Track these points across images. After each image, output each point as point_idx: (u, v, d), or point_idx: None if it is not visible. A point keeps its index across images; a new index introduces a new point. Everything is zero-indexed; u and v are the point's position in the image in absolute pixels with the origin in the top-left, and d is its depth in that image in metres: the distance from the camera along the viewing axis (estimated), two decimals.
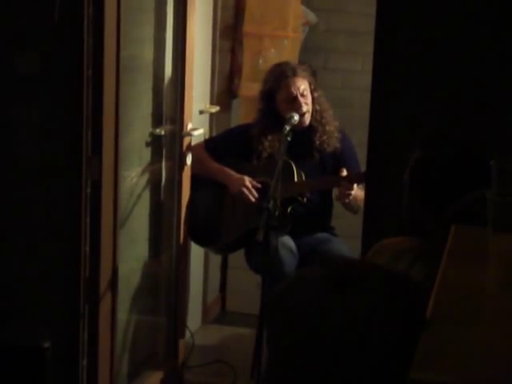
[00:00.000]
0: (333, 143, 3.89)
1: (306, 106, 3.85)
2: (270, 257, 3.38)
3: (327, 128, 3.89)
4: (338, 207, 4.07)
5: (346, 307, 1.18)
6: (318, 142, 3.87)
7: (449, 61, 2.59)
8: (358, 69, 4.86)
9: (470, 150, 2.11)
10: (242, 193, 3.88)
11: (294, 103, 3.83)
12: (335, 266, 1.28)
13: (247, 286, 4.58)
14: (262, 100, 3.94)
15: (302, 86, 3.85)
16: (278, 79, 3.86)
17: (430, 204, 2.05)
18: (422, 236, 2.06)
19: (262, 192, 3.81)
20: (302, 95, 3.84)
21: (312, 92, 3.90)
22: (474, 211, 1.64)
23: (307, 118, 3.86)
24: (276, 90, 3.86)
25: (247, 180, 3.90)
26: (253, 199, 3.86)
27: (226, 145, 4.03)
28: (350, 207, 3.85)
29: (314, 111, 3.90)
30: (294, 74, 3.85)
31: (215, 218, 4.01)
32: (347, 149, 3.94)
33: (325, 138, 3.88)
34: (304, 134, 3.86)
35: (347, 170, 3.79)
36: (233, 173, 3.94)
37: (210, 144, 4.07)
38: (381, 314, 1.19)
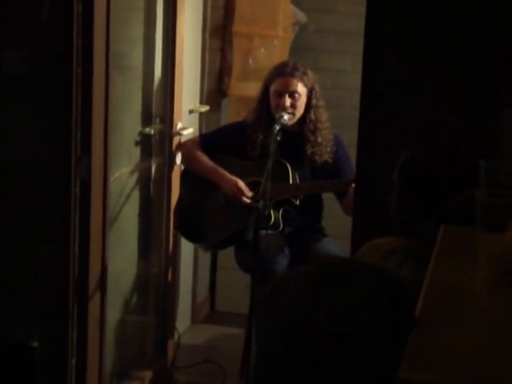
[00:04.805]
0: (324, 156, 3.86)
1: (292, 108, 3.83)
2: (260, 256, 3.38)
3: (319, 140, 3.86)
4: (328, 208, 4.08)
5: (335, 306, 1.18)
6: (309, 152, 3.86)
7: (437, 60, 2.60)
8: (347, 69, 4.87)
9: (459, 149, 2.12)
10: (235, 194, 3.86)
11: (279, 99, 3.83)
12: (324, 264, 1.28)
13: (237, 285, 4.57)
14: (260, 92, 3.94)
15: (296, 88, 3.83)
16: (275, 72, 3.88)
17: (419, 204, 2.05)
18: (411, 236, 2.07)
19: (255, 192, 3.80)
20: (291, 96, 3.83)
21: (310, 99, 3.87)
22: (463, 211, 1.64)
23: (291, 120, 3.84)
24: (270, 82, 3.87)
25: (240, 182, 3.88)
26: (247, 201, 3.84)
27: (222, 141, 4.01)
28: None
29: (308, 120, 3.88)
30: (292, 74, 3.84)
31: (206, 216, 4.00)
32: (342, 157, 3.92)
33: (316, 149, 3.85)
34: (295, 139, 3.85)
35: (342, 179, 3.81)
36: (226, 173, 3.91)
37: (204, 140, 4.04)
38: (369, 313, 1.19)
